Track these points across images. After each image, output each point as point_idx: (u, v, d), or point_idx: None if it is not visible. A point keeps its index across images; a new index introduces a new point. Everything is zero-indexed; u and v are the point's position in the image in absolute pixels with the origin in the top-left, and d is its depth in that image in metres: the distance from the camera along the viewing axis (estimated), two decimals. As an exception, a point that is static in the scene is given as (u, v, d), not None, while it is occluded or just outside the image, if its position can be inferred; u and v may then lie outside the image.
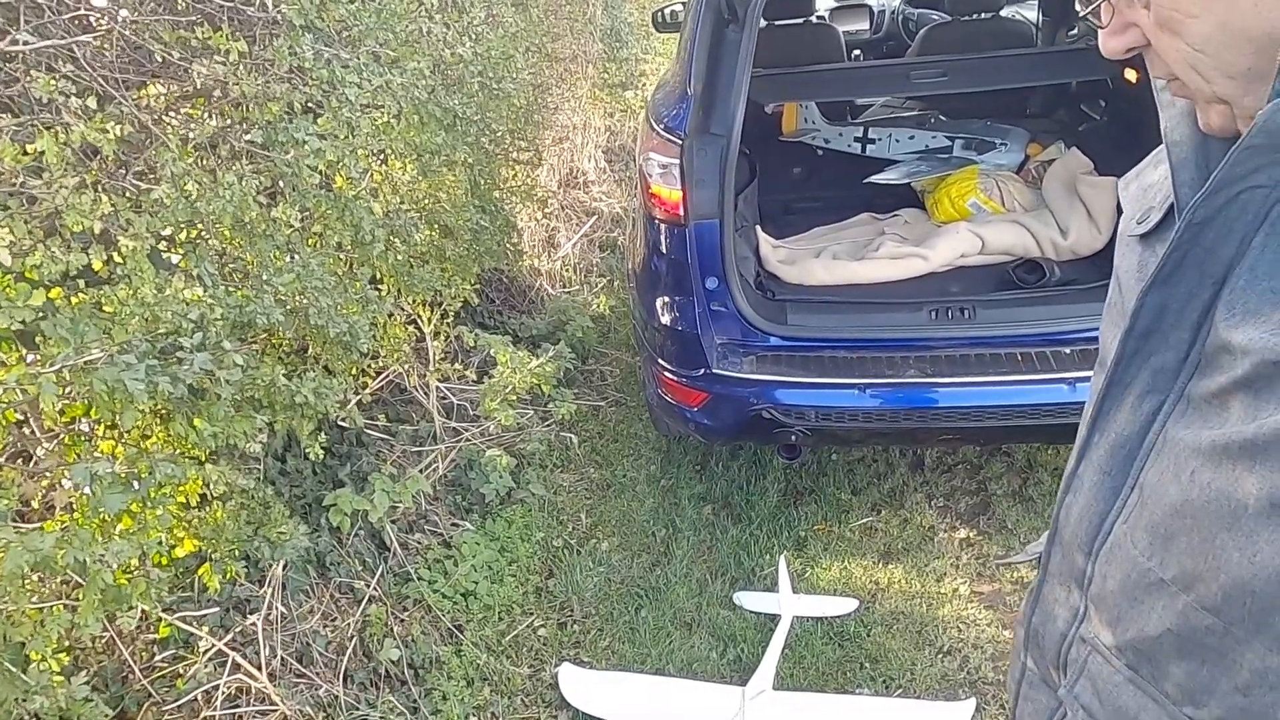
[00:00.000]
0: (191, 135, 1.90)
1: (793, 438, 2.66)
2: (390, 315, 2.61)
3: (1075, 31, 4.03)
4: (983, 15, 3.81)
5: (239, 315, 1.75)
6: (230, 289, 1.80)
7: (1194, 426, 0.66)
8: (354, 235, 2.24)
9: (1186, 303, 0.66)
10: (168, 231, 1.82)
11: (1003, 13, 4.01)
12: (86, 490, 1.35)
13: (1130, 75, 3.05)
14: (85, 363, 1.34)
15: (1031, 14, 4.55)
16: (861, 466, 3.18)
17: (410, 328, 2.92)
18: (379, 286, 2.60)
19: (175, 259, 1.91)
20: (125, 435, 1.70)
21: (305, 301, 2.00)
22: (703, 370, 2.66)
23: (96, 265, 1.53)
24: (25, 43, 1.37)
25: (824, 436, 2.77)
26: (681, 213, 2.61)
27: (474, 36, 3.01)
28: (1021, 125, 3.83)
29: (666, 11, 4.33)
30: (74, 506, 1.50)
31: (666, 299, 2.73)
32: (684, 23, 3.16)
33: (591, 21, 5.08)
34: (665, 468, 3.29)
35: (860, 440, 3.03)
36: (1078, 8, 0.68)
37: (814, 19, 4.20)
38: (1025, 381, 2.48)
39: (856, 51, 5.17)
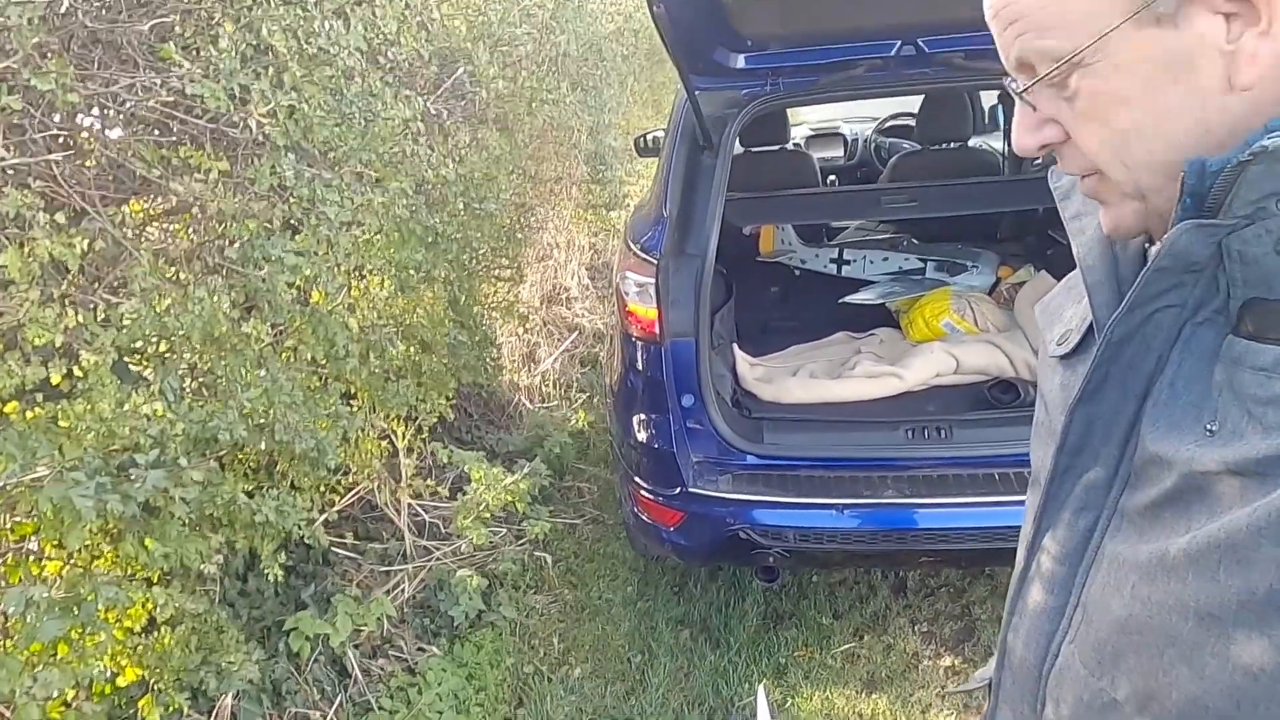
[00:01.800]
0: (168, 249, 1.91)
1: (770, 559, 2.60)
2: (362, 430, 2.57)
3: (1039, 161, 4.19)
4: (951, 145, 3.96)
5: (201, 430, 1.71)
6: (194, 403, 1.76)
7: (1130, 541, 0.66)
8: (328, 350, 2.23)
9: (1113, 418, 0.67)
10: (138, 344, 1.81)
11: (970, 143, 4.17)
12: (21, 615, 1.28)
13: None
14: (32, 480, 1.29)
15: (998, 144, 4.75)
16: (843, 589, 3.10)
17: (383, 443, 2.87)
18: (352, 401, 2.57)
19: (146, 372, 1.88)
20: (74, 555, 1.63)
21: (272, 417, 1.97)
22: (679, 489, 2.62)
23: (55, 379, 1.51)
24: (2, 159, 1.38)
25: (802, 559, 2.71)
26: (657, 331, 2.63)
27: (458, 159, 3.08)
28: (992, 248, 3.93)
29: (648, 137, 4.48)
30: (8, 632, 1.42)
31: (643, 416, 2.71)
32: (662, 148, 3.26)
33: (576, 146, 5.23)
34: (642, 589, 3.20)
35: (840, 562, 2.96)
36: (1010, 88, 0.67)
37: (790, 146, 4.35)
38: (1003, 503, 2.45)
39: (831, 177, 5.35)
